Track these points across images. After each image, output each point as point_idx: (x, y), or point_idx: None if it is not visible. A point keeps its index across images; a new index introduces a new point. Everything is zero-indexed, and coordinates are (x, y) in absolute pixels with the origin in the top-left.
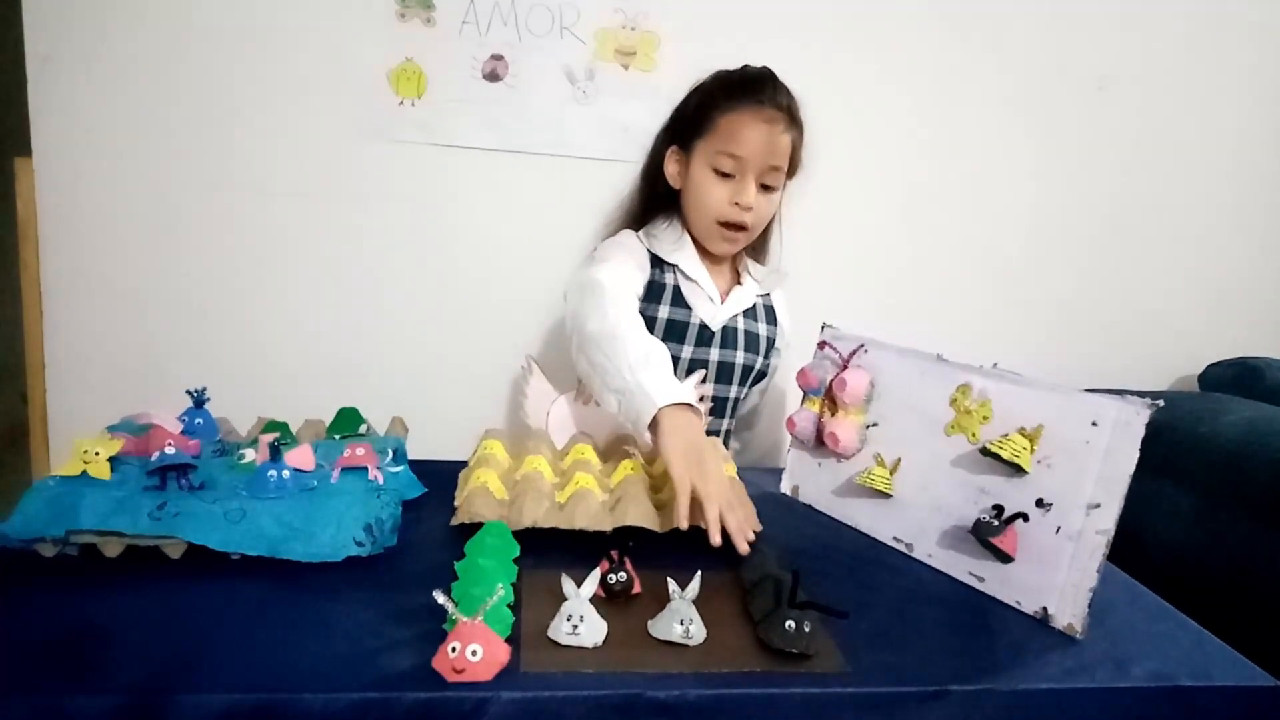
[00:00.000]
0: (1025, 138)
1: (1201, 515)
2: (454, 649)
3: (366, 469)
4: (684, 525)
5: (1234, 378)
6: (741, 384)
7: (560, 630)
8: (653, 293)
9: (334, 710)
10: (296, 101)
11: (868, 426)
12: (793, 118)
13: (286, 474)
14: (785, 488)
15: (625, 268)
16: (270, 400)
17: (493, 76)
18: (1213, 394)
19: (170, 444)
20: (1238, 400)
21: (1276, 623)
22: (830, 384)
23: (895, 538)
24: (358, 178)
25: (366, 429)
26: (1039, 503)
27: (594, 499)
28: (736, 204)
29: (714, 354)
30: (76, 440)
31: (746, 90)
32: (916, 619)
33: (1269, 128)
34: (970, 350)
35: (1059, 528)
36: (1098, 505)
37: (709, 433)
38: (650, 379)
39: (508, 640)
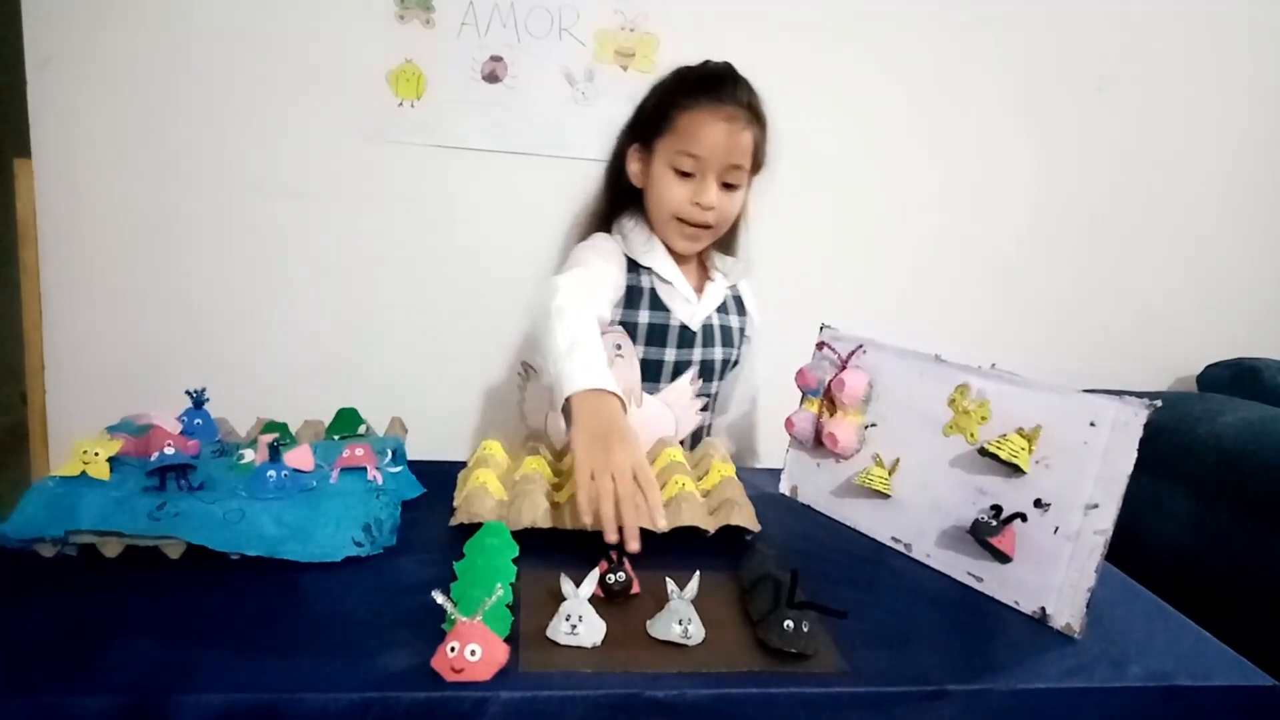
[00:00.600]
0: (1025, 138)
1: (1200, 515)
2: (453, 649)
3: (365, 469)
4: (587, 520)
5: (1232, 378)
6: (721, 379)
7: (559, 630)
8: (631, 298)
9: (333, 710)
10: (296, 102)
11: (866, 427)
12: (754, 114)
13: (286, 474)
14: (784, 488)
15: (596, 270)
16: (269, 401)
17: (492, 78)
18: (1211, 395)
19: (169, 444)
20: (1236, 401)
21: (1275, 622)
22: (829, 384)
23: (894, 538)
24: (357, 178)
25: (366, 429)
26: (1037, 503)
27: None
28: (697, 204)
29: (697, 354)
30: (76, 441)
31: (705, 88)
32: (915, 619)
33: (1268, 128)
34: (969, 350)
35: (1057, 528)
36: (1096, 505)
37: (698, 430)
38: (570, 366)
39: (507, 640)
